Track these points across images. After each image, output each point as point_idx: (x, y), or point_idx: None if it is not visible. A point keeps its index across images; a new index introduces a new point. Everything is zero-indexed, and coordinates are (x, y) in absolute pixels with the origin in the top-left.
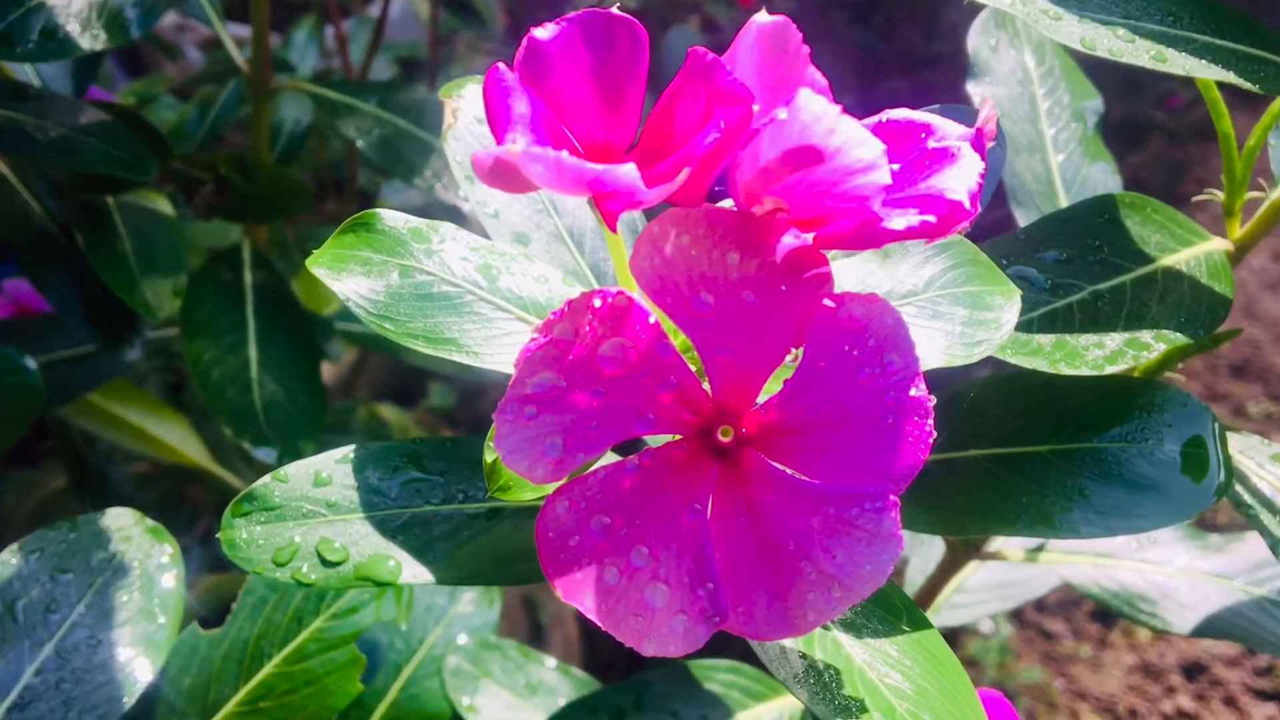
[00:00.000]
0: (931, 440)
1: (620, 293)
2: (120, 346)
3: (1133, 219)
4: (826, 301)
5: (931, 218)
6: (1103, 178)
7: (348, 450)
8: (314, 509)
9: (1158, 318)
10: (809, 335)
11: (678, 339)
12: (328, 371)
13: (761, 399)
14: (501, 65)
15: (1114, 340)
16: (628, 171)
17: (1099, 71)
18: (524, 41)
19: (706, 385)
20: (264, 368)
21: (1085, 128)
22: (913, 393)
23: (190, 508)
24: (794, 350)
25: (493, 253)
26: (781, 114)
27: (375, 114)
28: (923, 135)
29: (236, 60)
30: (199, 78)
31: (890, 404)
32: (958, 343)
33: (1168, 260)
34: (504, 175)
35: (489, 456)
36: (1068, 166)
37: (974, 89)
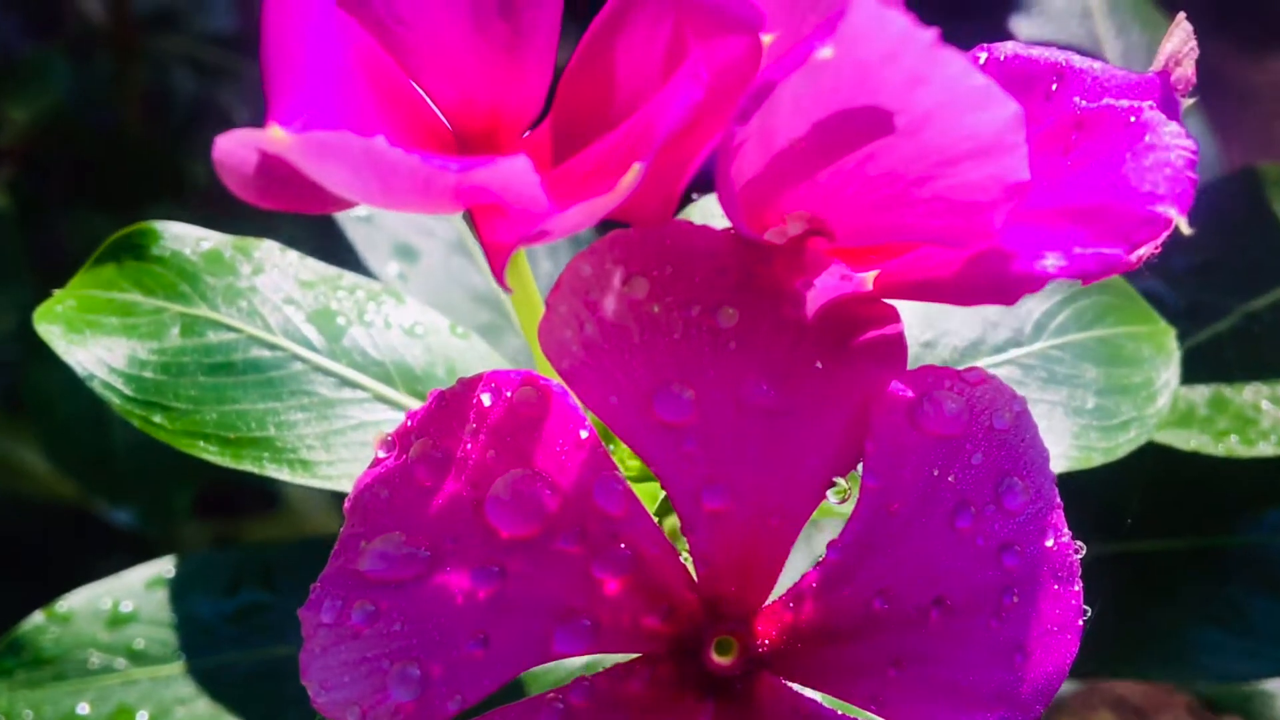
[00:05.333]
0: (1083, 621)
1: (528, 380)
2: None
3: None
4: (898, 387)
5: (1116, 250)
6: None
7: (160, 566)
8: (106, 661)
9: None
10: (870, 452)
11: (632, 469)
12: None
13: (784, 582)
14: None
15: None
16: (514, 171)
17: None
18: None
19: (685, 556)
20: None
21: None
22: (1049, 543)
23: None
24: (838, 483)
25: (336, 288)
26: (825, 52)
27: None
28: (1053, 86)
29: (91, 14)
30: (77, 37)
31: (1014, 569)
32: (1092, 426)
33: None
34: (278, 183)
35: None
36: None
37: (1022, 26)
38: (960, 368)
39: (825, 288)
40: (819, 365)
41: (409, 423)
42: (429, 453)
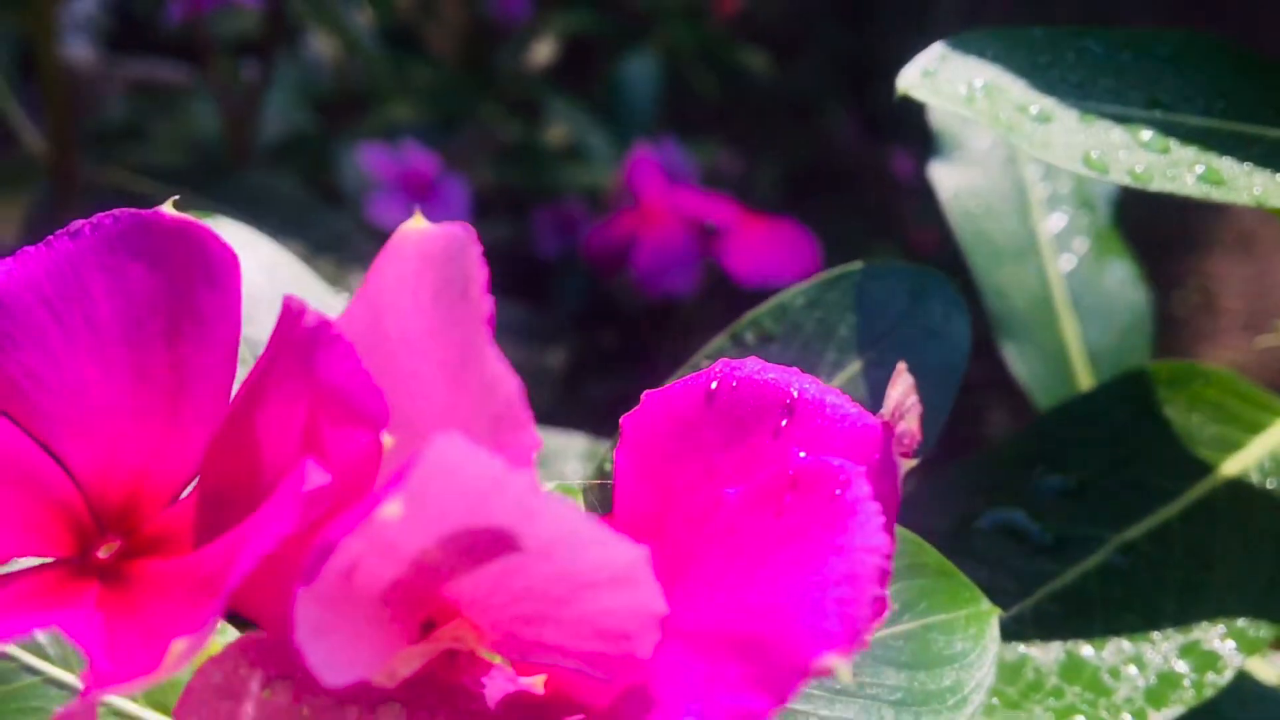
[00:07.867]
0: None
1: None
2: None
3: (1175, 404)
4: None
5: (760, 704)
6: (1121, 289)
7: None
8: None
9: (1224, 591)
10: None
11: None
12: None
13: None
14: None
15: (1156, 652)
16: (59, 624)
17: None
18: None
19: None
20: None
21: (1096, 217)
22: None
23: None
24: None
25: None
26: (390, 509)
27: None
28: (783, 422)
29: (28, 143)
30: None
31: None
32: None
33: (1231, 466)
34: None
35: None
36: (1076, 276)
37: (940, 173)
38: None
39: (498, 687)
40: None
41: None
42: None
